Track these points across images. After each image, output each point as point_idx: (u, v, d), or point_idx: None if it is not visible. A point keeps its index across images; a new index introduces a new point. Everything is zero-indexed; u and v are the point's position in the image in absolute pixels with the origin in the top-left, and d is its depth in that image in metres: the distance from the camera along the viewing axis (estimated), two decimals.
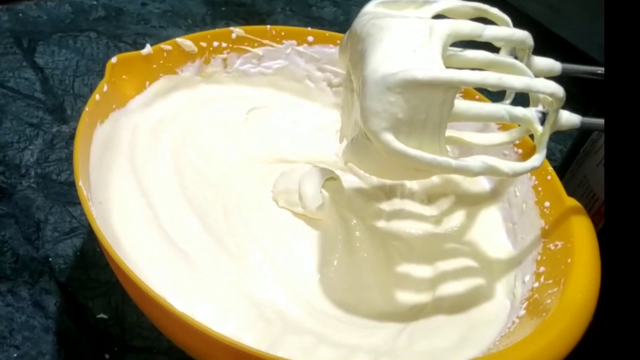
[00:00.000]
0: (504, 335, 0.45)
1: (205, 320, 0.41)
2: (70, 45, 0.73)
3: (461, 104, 0.41)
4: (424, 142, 0.40)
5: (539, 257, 0.49)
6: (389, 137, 0.39)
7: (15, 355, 0.48)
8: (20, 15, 0.76)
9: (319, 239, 0.52)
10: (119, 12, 0.80)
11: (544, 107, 0.43)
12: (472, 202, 0.57)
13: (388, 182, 0.58)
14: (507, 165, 0.42)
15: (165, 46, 0.57)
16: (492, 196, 0.57)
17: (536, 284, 0.47)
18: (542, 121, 0.43)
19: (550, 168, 0.51)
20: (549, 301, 0.44)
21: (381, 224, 0.55)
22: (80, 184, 0.44)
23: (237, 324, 0.44)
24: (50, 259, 0.54)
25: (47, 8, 0.78)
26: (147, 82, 0.56)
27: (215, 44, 0.59)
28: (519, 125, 0.47)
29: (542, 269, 0.48)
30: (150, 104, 0.57)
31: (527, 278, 0.49)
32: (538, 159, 0.43)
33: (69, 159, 0.62)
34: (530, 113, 0.43)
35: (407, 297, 0.50)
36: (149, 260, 0.46)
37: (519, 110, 0.43)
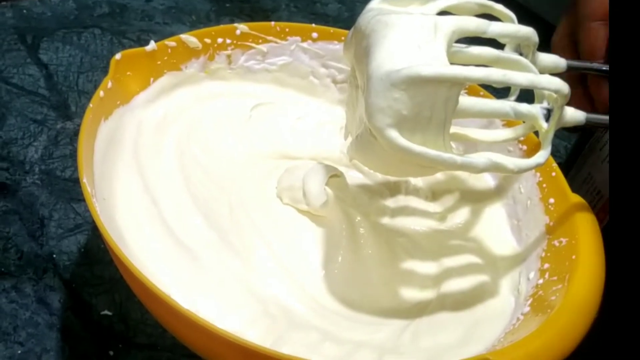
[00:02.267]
0: (508, 332, 0.45)
1: (210, 316, 0.41)
2: (74, 42, 0.73)
3: (465, 101, 0.41)
4: (428, 138, 0.40)
5: (543, 254, 0.49)
6: (394, 134, 0.39)
7: (19, 351, 0.48)
8: (25, 11, 0.76)
9: (324, 236, 0.52)
10: (123, 8, 0.80)
11: (548, 104, 0.43)
12: (476, 198, 0.57)
13: (392, 178, 0.58)
14: (512, 161, 0.42)
15: (170, 42, 0.57)
16: (496, 193, 0.57)
17: (541, 281, 0.47)
18: (547, 118, 0.43)
19: (554, 165, 0.51)
20: (553, 298, 0.43)
21: (385, 220, 0.55)
22: (84, 180, 0.44)
23: (241, 320, 0.44)
24: (54, 256, 0.54)
25: (51, 4, 0.78)
26: (152, 79, 0.56)
27: (220, 40, 0.59)
28: (524, 122, 0.47)
29: (546, 265, 0.48)
30: (154, 100, 0.57)
31: (531, 275, 0.49)
32: (543, 155, 0.43)
33: (73, 155, 0.62)
34: (535, 109, 0.43)
35: (411, 294, 0.50)
36: (153, 257, 0.46)
37: (523, 107, 0.43)
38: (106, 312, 0.51)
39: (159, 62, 0.56)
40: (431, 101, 0.39)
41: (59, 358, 0.48)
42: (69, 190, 0.59)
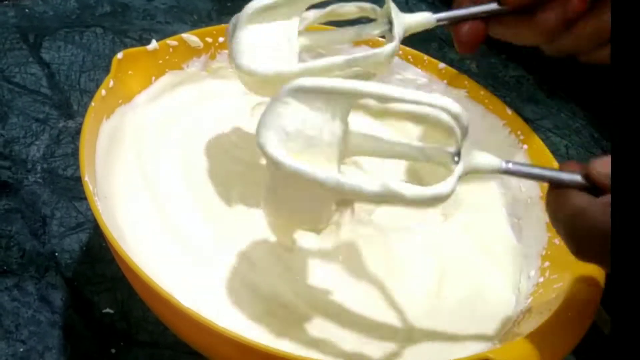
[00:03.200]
0: (509, 330, 0.45)
1: (211, 314, 0.41)
2: (76, 41, 0.73)
3: (359, 137, 0.42)
4: (317, 162, 0.40)
5: (544, 252, 0.49)
6: (280, 152, 0.39)
7: (21, 350, 0.48)
8: (27, 10, 0.76)
9: (324, 234, 0.52)
10: (124, 7, 0.80)
11: (456, 144, 0.41)
12: (477, 197, 0.57)
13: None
14: (411, 190, 0.39)
15: (171, 42, 0.57)
16: (497, 191, 0.57)
17: (541, 279, 0.47)
18: (457, 159, 0.41)
19: (555, 163, 0.51)
20: (553, 296, 0.44)
21: (386, 218, 0.55)
22: (86, 179, 0.44)
23: (243, 318, 0.45)
24: (56, 254, 0.54)
25: (53, 3, 0.78)
26: (153, 78, 0.56)
27: (221, 39, 0.59)
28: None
29: (547, 263, 0.48)
30: (156, 99, 0.57)
31: (532, 273, 0.49)
32: (447, 186, 0.40)
33: (75, 154, 0.62)
34: (444, 150, 0.41)
35: (412, 292, 0.50)
36: (155, 255, 0.46)
37: (432, 150, 0.41)
38: (108, 310, 0.51)
39: (160, 61, 0.56)
40: (315, 118, 0.39)
41: (61, 356, 0.48)
42: (71, 188, 0.59)
